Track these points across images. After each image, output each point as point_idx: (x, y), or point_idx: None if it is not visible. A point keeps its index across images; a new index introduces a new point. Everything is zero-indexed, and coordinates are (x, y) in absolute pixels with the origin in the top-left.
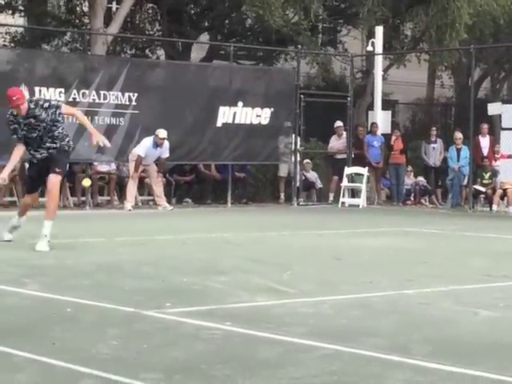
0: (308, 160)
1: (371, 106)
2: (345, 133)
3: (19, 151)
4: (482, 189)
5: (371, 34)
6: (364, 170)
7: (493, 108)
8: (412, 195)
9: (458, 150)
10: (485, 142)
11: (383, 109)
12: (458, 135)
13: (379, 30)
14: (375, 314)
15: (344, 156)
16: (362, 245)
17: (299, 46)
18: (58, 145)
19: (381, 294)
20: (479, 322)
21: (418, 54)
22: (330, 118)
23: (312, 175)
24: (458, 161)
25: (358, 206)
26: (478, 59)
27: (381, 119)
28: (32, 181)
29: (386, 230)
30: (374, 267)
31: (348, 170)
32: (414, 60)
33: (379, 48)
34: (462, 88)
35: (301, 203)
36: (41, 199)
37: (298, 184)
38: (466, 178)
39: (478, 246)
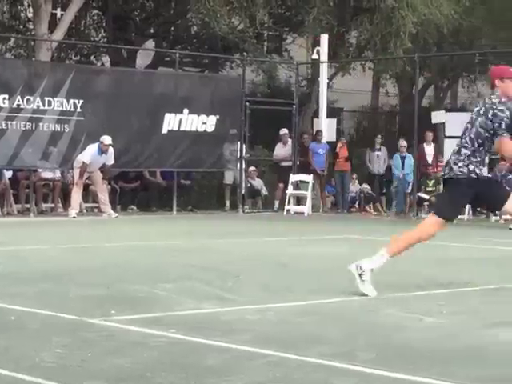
0: (253, 167)
1: (316, 114)
2: (290, 140)
3: None
4: (426, 196)
5: (316, 42)
6: (309, 178)
7: (437, 116)
8: (357, 203)
9: (403, 158)
10: (429, 149)
11: (328, 116)
12: (403, 143)
13: (324, 38)
14: (321, 320)
15: (289, 163)
16: (307, 252)
17: (245, 54)
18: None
19: (326, 301)
20: (424, 328)
21: (363, 62)
22: (275, 125)
23: (257, 182)
24: (403, 168)
25: (303, 213)
26: (422, 68)
27: (326, 127)
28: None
29: (332, 238)
30: (319, 274)
31: (293, 178)
32: (359, 68)
33: (324, 56)
34: (406, 96)
35: (246, 210)
36: None
37: (243, 191)
38: (410, 185)
39: (422, 253)
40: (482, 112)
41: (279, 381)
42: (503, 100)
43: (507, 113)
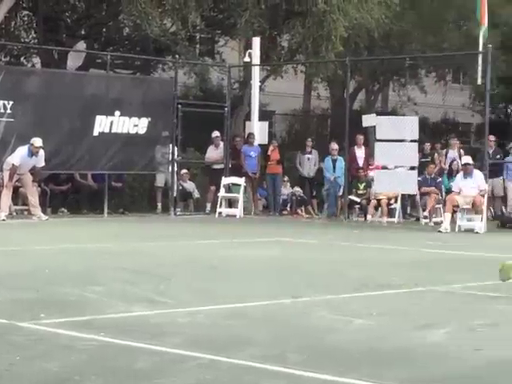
0: (185, 170)
1: (248, 117)
2: (222, 143)
3: None
4: (357, 199)
5: (248, 45)
6: (241, 180)
7: (367, 119)
8: (288, 205)
9: (334, 161)
10: (360, 152)
11: (260, 119)
12: (334, 146)
13: (256, 41)
14: (252, 323)
15: (221, 166)
16: (238, 255)
17: (177, 56)
18: None
19: (257, 304)
20: (354, 330)
21: (295, 65)
22: (207, 128)
23: (189, 185)
24: (334, 171)
25: (235, 216)
26: (353, 71)
27: (258, 130)
28: None
29: (263, 240)
30: (250, 277)
31: (225, 180)
32: (291, 71)
33: (256, 59)
34: (337, 99)
35: (178, 213)
36: None
37: (175, 194)
38: (342, 188)
39: (352, 256)
40: None
41: (209, 383)
42: None
43: None
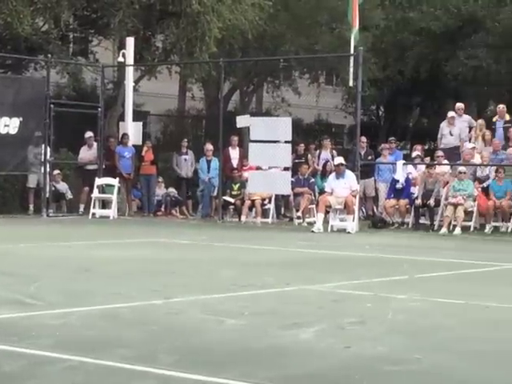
0: (58, 171)
1: (122, 117)
2: (95, 143)
3: None
4: (231, 200)
5: (122, 45)
6: (115, 181)
7: (241, 120)
8: (163, 206)
9: (209, 162)
10: (234, 153)
11: (134, 120)
12: (209, 147)
13: (130, 41)
14: (122, 324)
15: (95, 167)
16: (111, 256)
17: (49, 55)
18: None
19: (129, 305)
20: (225, 330)
21: (169, 66)
22: (80, 128)
23: (62, 186)
24: (209, 172)
25: (109, 217)
26: (227, 72)
27: (132, 130)
28: None
29: (137, 241)
30: (122, 278)
31: (99, 181)
32: (166, 72)
33: (130, 59)
34: (212, 100)
35: (51, 214)
36: None
37: (47, 195)
38: (216, 189)
39: (226, 256)
40: None
41: None
42: None
43: None
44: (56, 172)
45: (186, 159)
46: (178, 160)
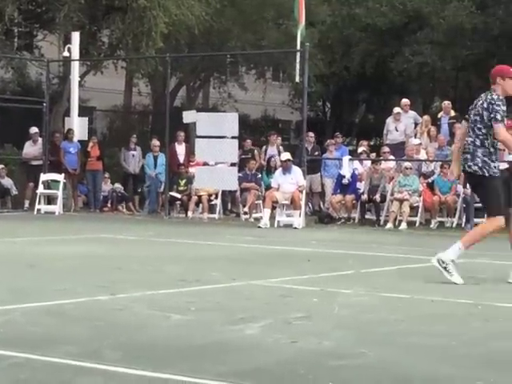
0: (2, 166)
1: (68, 112)
2: (40, 139)
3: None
4: (178, 195)
5: (68, 40)
6: (60, 177)
7: (188, 116)
8: (109, 202)
9: (155, 157)
10: (181, 149)
11: (80, 115)
12: (156, 142)
13: (76, 36)
14: (68, 321)
15: (40, 162)
16: (57, 252)
17: None
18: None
19: (74, 301)
20: (172, 325)
21: (115, 61)
22: (25, 123)
23: (7, 181)
24: (155, 168)
25: (55, 212)
26: (173, 68)
27: (77, 126)
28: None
29: (83, 237)
30: (68, 274)
31: (44, 177)
32: (112, 67)
33: (76, 54)
34: (158, 96)
35: None
36: None
37: None
38: (163, 184)
39: (173, 252)
40: (485, 106)
41: (23, 382)
42: (501, 97)
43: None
44: (0, 167)
45: (133, 155)
46: (125, 155)
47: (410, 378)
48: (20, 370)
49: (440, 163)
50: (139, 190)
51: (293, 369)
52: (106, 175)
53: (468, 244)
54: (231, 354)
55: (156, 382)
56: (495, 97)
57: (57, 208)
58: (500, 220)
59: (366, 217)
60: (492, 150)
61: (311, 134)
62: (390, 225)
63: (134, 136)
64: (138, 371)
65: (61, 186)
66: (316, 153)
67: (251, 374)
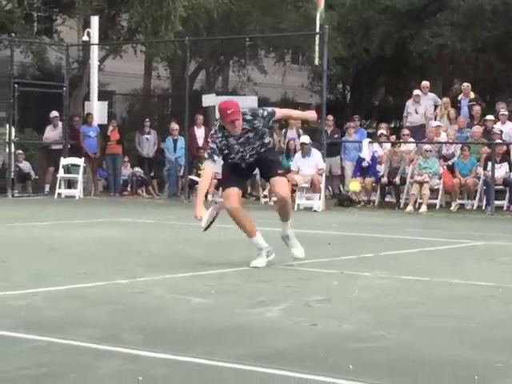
0: (20, 150)
1: (88, 97)
2: (60, 123)
3: (208, 177)
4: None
5: (87, 24)
6: (80, 161)
7: (207, 99)
8: (129, 186)
9: (175, 141)
10: (200, 132)
11: (99, 99)
12: (175, 126)
13: (95, 20)
14: (88, 304)
15: (60, 147)
16: (76, 236)
17: (13, 35)
18: (266, 143)
19: (94, 285)
20: (191, 309)
21: (134, 45)
22: (45, 108)
23: (25, 166)
24: (175, 151)
25: (75, 197)
26: (193, 52)
27: (97, 110)
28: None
29: (103, 221)
30: (88, 258)
31: (64, 161)
32: (131, 51)
33: (95, 38)
34: (177, 80)
35: (16, 195)
36: None
37: (12, 175)
38: (182, 168)
39: (192, 235)
40: None
41: (43, 365)
42: None
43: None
44: (18, 152)
45: (147, 139)
46: (140, 139)
47: (429, 361)
48: (41, 354)
49: (460, 145)
50: (151, 173)
51: (313, 352)
52: (126, 159)
53: None
54: (251, 337)
55: (176, 365)
56: None
57: (77, 192)
58: None
59: (386, 199)
60: None
61: (330, 117)
62: (409, 207)
63: (147, 120)
64: (158, 354)
65: (81, 170)
66: (336, 136)
67: (271, 357)
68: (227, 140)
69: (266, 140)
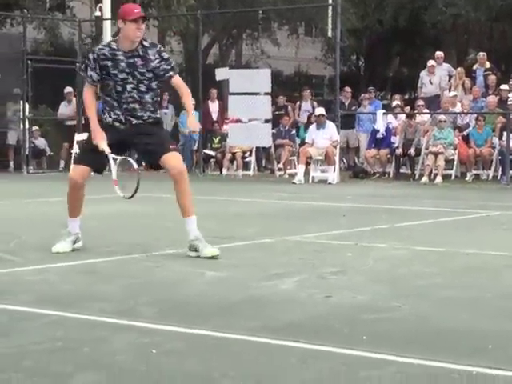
0: (36, 127)
1: None
2: (74, 99)
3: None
4: (212, 153)
5: None
6: None
7: (220, 73)
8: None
9: None
10: (214, 106)
11: None
12: None
13: None
14: (102, 279)
15: (74, 122)
16: (91, 211)
17: (25, 11)
18: (155, 115)
19: (109, 259)
20: (206, 282)
21: (147, 19)
22: (59, 84)
23: (41, 142)
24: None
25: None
26: (205, 25)
27: None
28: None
29: (117, 196)
30: (102, 233)
31: (78, 137)
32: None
33: (107, 13)
34: (191, 54)
35: (31, 171)
36: None
37: (27, 152)
38: (197, 142)
39: (207, 209)
40: None
41: (59, 340)
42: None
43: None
44: (34, 128)
45: (165, 113)
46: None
47: (444, 331)
48: (55, 328)
49: (475, 116)
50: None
51: (327, 323)
52: None
53: None
54: (265, 310)
55: (191, 338)
56: None
57: None
58: None
59: (401, 171)
60: None
61: (348, 88)
62: (425, 178)
63: (166, 94)
64: (173, 327)
65: None
66: (353, 107)
67: (285, 328)
68: (115, 54)
69: (149, 99)
